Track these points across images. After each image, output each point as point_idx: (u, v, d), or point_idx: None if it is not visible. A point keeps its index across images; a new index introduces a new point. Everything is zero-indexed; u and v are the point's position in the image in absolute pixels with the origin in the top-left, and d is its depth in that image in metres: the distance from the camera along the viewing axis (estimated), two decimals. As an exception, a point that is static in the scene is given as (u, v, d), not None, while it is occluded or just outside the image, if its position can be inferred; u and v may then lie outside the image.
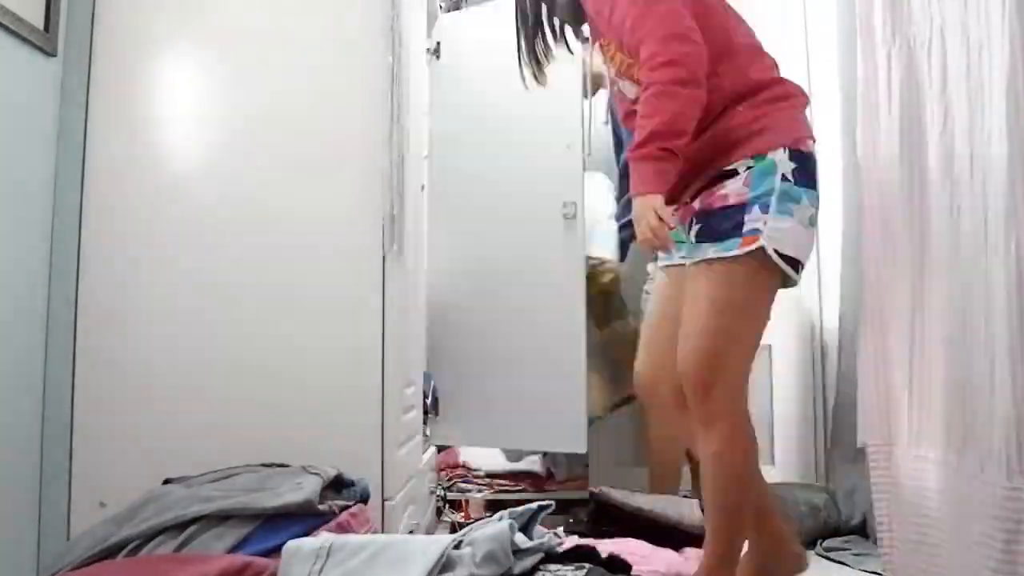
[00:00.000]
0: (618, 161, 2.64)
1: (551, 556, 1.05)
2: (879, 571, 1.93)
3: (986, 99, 1.45)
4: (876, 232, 1.86)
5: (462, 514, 2.69)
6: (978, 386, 1.45)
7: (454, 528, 2.36)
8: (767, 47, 1.61)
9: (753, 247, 1.46)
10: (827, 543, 2.25)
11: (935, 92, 1.63)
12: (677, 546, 1.96)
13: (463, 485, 2.79)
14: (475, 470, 2.81)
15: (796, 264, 1.51)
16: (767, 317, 1.56)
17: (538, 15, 1.75)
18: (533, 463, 2.81)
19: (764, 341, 1.82)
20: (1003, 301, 1.37)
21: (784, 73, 1.61)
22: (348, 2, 1.85)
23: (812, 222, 1.52)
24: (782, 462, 2.73)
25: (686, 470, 2.49)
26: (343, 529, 1.34)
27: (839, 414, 2.49)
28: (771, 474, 2.46)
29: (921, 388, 1.67)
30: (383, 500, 1.75)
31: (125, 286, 1.78)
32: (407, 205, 1.91)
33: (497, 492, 2.74)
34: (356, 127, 1.81)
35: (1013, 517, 1.35)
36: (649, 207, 1.46)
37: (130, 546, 1.31)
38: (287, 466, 1.55)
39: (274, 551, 1.22)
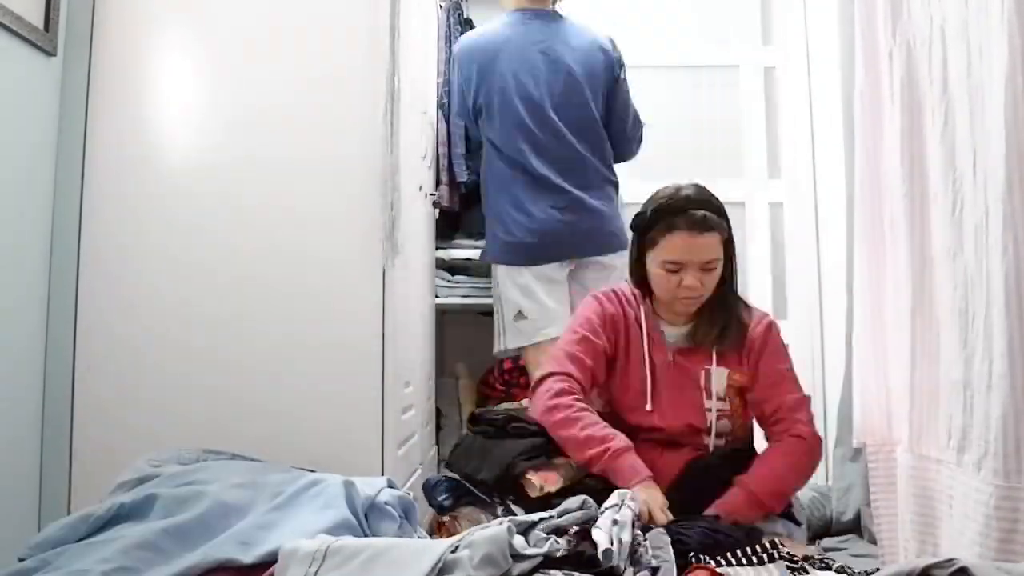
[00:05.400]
0: None
1: (551, 562, 1.05)
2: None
3: (986, 99, 1.45)
4: (876, 231, 1.86)
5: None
6: (976, 386, 1.45)
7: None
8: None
9: None
10: (824, 543, 2.24)
11: (936, 92, 1.62)
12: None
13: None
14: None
15: None
16: None
17: None
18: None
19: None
20: (1001, 301, 1.37)
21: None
22: (347, 2, 1.85)
23: None
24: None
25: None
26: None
27: (844, 412, 2.49)
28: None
29: (921, 388, 1.67)
30: (383, 500, 1.75)
31: (125, 286, 1.78)
32: (405, 204, 1.91)
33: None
34: (354, 126, 1.82)
35: (1009, 516, 1.35)
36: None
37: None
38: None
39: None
